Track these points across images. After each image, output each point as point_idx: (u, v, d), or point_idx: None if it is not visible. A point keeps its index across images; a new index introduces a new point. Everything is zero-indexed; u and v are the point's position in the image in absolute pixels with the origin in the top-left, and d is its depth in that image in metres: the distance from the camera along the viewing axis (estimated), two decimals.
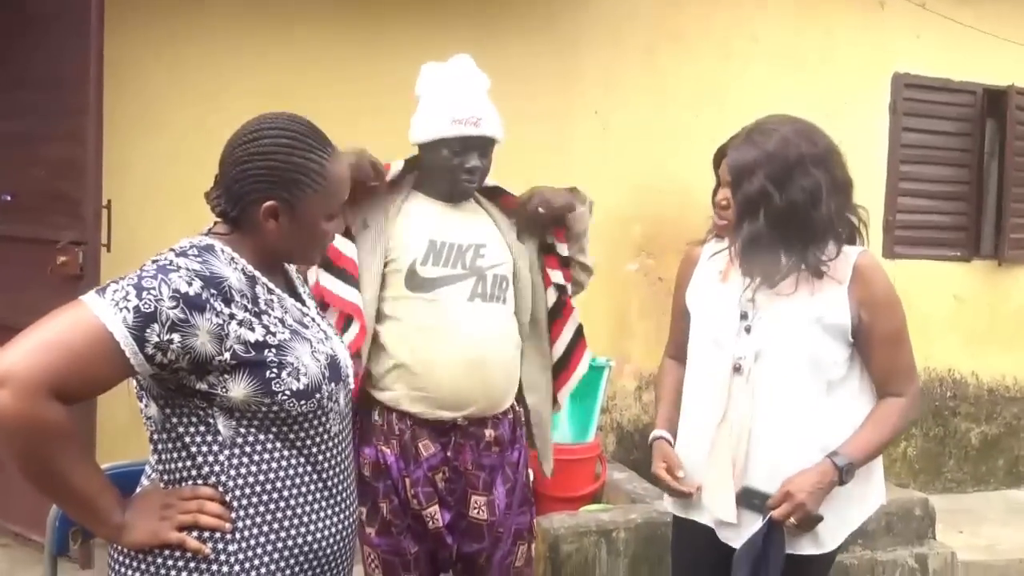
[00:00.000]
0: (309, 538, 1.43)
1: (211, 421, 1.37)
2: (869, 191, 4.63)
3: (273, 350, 1.37)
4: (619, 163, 4.34)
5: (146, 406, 1.40)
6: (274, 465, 1.40)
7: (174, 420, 1.37)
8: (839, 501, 1.86)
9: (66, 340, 1.25)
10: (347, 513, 1.51)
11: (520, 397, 2.31)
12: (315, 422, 1.44)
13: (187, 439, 1.37)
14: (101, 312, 1.26)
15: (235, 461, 1.38)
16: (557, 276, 2.34)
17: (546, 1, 4.23)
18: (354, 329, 2.08)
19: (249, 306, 1.38)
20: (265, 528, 1.39)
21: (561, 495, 3.55)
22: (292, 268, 1.61)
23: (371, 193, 2.14)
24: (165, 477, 1.40)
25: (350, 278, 2.11)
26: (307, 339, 1.44)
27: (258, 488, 1.39)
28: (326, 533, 1.45)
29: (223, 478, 1.38)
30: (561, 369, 2.40)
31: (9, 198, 3.50)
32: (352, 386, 1.58)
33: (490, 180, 2.29)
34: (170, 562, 1.36)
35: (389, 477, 2.13)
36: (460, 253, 2.16)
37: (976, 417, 5.18)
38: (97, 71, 3.14)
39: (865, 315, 1.85)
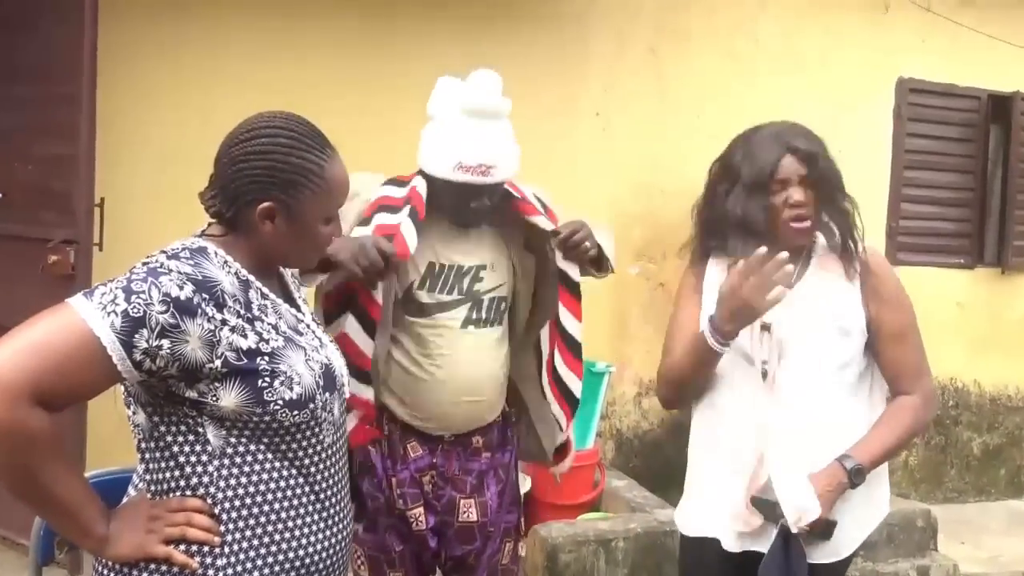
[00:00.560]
0: (301, 552, 1.39)
1: (200, 430, 1.34)
2: (872, 197, 4.63)
3: (266, 358, 1.34)
4: (620, 164, 4.33)
5: (134, 413, 1.37)
6: (265, 477, 1.37)
7: (162, 428, 1.34)
8: (853, 504, 1.85)
9: (51, 345, 1.22)
10: (341, 526, 1.47)
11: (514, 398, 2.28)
12: (308, 433, 1.41)
13: (175, 448, 1.34)
14: (88, 316, 1.23)
15: (225, 472, 1.35)
16: (573, 272, 2.22)
17: (550, 1, 4.19)
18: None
19: (242, 312, 1.35)
20: (255, 542, 1.36)
21: (559, 502, 3.55)
22: (288, 272, 1.57)
23: (389, 274, 2.00)
24: (152, 487, 1.37)
25: (371, 325, 2.05)
26: (301, 347, 1.41)
27: (248, 500, 1.36)
28: (319, 547, 1.42)
29: (212, 489, 1.34)
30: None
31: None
32: (347, 395, 1.55)
33: None
34: None
35: (375, 476, 2.12)
36: (459, 277, 2.12)
37: (978, 426, 5.17)
38: (90, 65, 3.11)
39: (874, 310, 1.87)
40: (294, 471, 1.39)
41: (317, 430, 1.42)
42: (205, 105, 3.48)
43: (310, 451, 1.41)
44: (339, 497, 1.47)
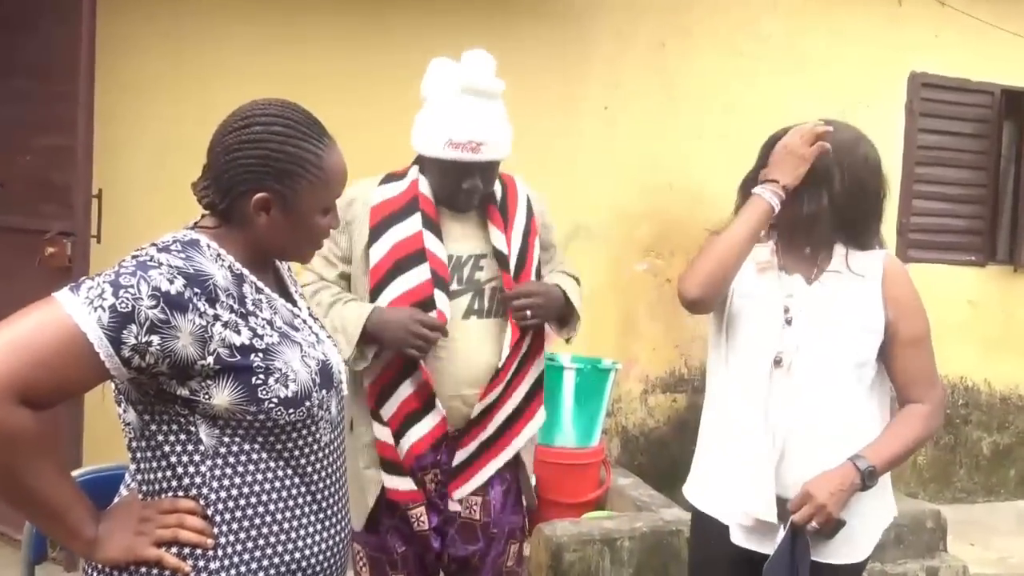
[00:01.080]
0: (297, 555, 1.36)
1: (193, 429, 1.30)
2: None
3: (260, 354, 1.30)
4: (627, 160, 4.31)
5: (124, 411, 1.33)
6: (260, 477, 1.33)
7: (153, 427, 1.31)
8: (871, 506, 1.87)
9: (35, 341, 1.18)
10: (339, 528, 1.44)
11: None
12: (304, 431, 1.37)
13: (167, 448, 1.31)
14: (74, 311, 1.20)
15: (218, 472, 1.31)
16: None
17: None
18: None
19: (235, 307, 1.30)
20: (250, 544, 1.32)
21: (564, 501, 3.54)
22: (284, 266, 1.53)
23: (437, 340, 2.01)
24: (144, 488, 1.34)
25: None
26: (297, 343, 1.37)
27: (242, 501, 1.32)
28: (315, 549, 1.38)
29: (205, 490, 1.31)
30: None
31: None
32: (345, 393, 1.51)
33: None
34: None
35: None
36: (458, 266, 2.10)
37: (988, 426, 5.13)
38: (88, 57, 3.10)
39: (891, 315, 1.89)
40: (290, 471, 1.36)
41: (314, 428, 1.38)
42: (203, 97, 3.45)
43: (306, 450, 1.37)
44: (337, 497, 1.44)
